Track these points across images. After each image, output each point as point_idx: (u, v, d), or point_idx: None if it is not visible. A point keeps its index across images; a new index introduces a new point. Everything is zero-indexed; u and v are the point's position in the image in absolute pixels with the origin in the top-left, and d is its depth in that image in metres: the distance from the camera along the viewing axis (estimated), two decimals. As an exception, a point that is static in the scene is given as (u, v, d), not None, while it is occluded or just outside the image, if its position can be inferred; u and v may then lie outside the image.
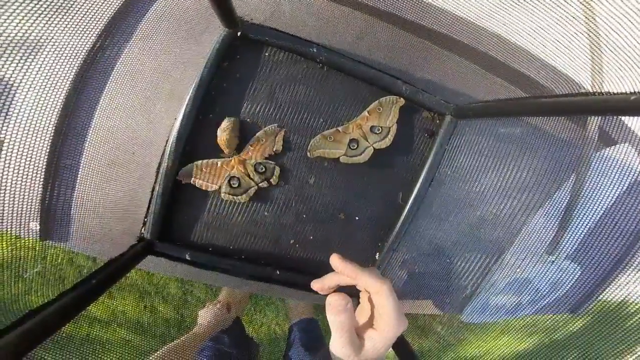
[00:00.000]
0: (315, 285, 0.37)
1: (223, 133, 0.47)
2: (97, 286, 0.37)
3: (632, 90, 0.29)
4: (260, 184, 0.50)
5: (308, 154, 0.50)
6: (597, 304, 0.56)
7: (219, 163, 0.49)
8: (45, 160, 0.43)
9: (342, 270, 0.35)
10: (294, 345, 0.85)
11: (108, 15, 0.43)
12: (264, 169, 0.49)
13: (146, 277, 1.23)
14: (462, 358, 0.66)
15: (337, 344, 0.32)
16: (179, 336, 0.70)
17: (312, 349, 0.81)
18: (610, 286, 0.55)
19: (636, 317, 0.45)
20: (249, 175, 0.49)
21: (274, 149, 0.50)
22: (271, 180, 0.50)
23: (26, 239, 0.45)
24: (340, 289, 0.36)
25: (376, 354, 0.32)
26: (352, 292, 0.36)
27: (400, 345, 0.45)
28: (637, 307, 0.47)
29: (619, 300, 0.50)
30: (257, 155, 0.49)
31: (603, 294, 0.56)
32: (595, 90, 0.34)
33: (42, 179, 0.43)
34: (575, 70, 0.40)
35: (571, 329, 0.56)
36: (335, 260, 0.35)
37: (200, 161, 0.48)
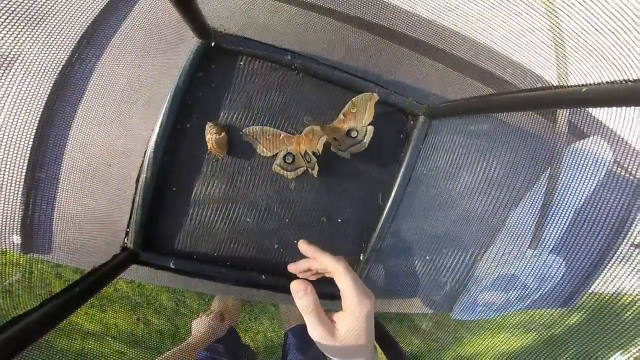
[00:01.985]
0: (291, 267, 0.43)
1: (212, 137, 0.47)
2: (80, 294, 0.37)
3: (584, 83, 0.30)
4: (307, 167, 0.52)
5: None
6: (591, 296, 0.56)
7: (282, 135, 0.51)
8: (23, 172, 0.44)
9: (306, 251, 0.41)
10: (290, 351, 0.85)
11: (82, 28, 0.44)
12: (309, 159, 0.51)
13: (137, 289, 1.23)
14: (461, 357, 0.65)
15: (310, 327, 0.34)
16: (174, 347, 0.70)
17: (308, 353, 0.81)
18: (600, 278, 0.55)
19: (633, 309, 0.45)
20: (302, 156, 0.51)
21: (317, 148, 0.51)
22: (313, 171, 0.51)
23: (8, 252, 0.45)
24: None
25: (351, 335, 0.34)
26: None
27: (390, 348, 0.46)
28: (631, 298, 0.47)
29: (613, 292, 0.50)
30: (306, 146, 0.51)
31: (594, 285, 0.56)
32: (559, 84, 0.35)
33: (21, 192, 0.44)
34: (537, 65, 0.41)
35: (568, 323, 0.56)
36: (301, 243, 0.41)
37: (267, 127, 0.51)
